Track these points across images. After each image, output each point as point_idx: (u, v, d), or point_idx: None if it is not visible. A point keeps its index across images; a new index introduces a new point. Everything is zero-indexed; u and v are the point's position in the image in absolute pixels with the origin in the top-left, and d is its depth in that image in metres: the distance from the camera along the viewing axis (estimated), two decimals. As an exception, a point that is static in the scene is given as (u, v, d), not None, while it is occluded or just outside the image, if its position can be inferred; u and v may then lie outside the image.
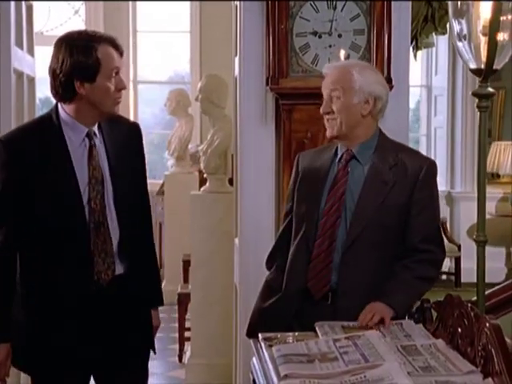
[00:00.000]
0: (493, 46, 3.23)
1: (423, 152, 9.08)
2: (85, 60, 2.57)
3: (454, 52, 3.65)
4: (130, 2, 8.76)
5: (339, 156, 2.82)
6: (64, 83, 2.59)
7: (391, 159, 2.79)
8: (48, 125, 2.64)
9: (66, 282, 2.61)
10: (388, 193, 2.76)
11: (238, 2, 3.71)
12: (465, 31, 3.37)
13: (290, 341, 2.38)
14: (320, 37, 3.44)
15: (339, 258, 2.75)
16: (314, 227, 2.78)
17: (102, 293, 2.64)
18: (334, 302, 2.72)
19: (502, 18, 3.24)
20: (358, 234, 2.74)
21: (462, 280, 7.81)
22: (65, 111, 2.64)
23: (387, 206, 2.76)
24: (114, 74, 2.62)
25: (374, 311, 2.56)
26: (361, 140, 2.79)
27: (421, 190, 2.78)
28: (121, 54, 2.67)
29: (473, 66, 3.40)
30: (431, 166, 2.84)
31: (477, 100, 3.45)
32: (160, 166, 9.42)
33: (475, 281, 3.58)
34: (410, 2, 3.62)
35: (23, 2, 3.69)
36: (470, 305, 2.20)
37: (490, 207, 7.94)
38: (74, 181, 2.61)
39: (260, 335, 2.46)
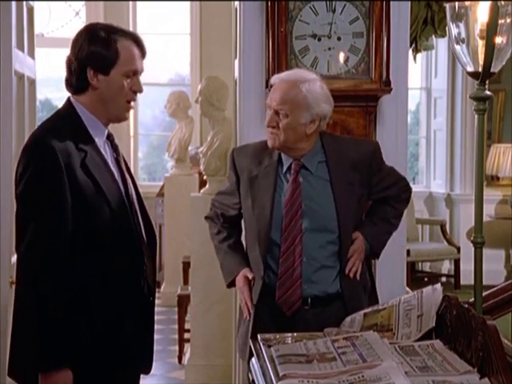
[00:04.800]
0: (490, 49, 3.24)
1: (423, 155, 9.12)
2: (102, 49, 2.46)
3: (453, 54, 3.66)
4: (131, 4, 8.78)
5: (286, 167, 2.84)
6: (77, 71, 2.47)
7: (345, 158, 2.84)
8: (73, 124, 2.49)
9: (125, 285, 2.49)
10: (356, 192, 2.85)
11: (237, 5, 3.73)
12: (462, 34, 3.38)
13: (289, 341, 2.40)
14: (319, 39, 3.45)
15: (337, 270, 2.83)
16: (265, 243, 2.82)
17: (150, 294, 2.62)
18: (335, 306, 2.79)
19: (499, 22, 3.25)
20: (348, 243, 2.84)
21: (462, 282, 7.82)
22: (82, 107, 2.51)
23: (359, 203, 2.88)
24: (131, 74, 2.50)
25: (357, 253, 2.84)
26: (305, 151, 2.83)
27: (378, 173, 2.92)
28: (143, 54, 2.55)
29: (470, 69, 3.41)
30: (377, 148, 2.96)
31: (475, 103, 3.47)
32: (160, 167, 9.43)
33: (474, 283, 3.60)
34: (409, 5, 3.64)
35: (24, 4, 3.70)
36: (467, 306, 2.22)
37: (490, 209, 7.96)
38: (116, 183, 2.52)
39: (259, 336, 2.47)
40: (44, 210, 2.38)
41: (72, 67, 2.50)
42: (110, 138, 2.60)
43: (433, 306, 2.39)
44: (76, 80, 2.51)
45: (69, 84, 2.54)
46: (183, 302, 5.71)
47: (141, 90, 2.56)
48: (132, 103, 2.58)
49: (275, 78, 2.83)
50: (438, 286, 2.48)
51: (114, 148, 2.61)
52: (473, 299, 3.54)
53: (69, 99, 2.55)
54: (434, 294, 2.45)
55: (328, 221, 2.82)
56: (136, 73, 2.53)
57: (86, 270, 2.42)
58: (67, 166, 2.39)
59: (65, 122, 2.50)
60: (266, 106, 2.82)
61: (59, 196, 2.38)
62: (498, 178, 8.35)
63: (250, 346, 2.51)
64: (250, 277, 2.87)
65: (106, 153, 2.56)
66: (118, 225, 2.49)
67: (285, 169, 2.85)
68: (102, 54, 2.47)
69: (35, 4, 4.00)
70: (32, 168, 2.40)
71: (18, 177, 2.45)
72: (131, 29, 8.72)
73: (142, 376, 2.73)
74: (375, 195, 2.95)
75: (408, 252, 6.83)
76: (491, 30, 3.24)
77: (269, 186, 2.83)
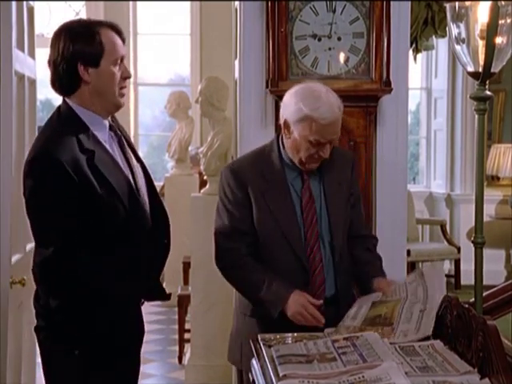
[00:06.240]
0: (490, 49, 3.25)
1: (423, 155, 9.12)
2: (88, 44, 2.49)
3: (453, 55, 3.66)
4: (131, 4, 8.78)
5: (296, 172, 2.81)
6: (67, 70, 2.50)
7: (332, 160, 2.83)
8: (74, 126, 2.51)
9: (133, 278, 2.56)
10: (344, 192, 2.87)
11: (238, 5, 3.73)
12: (463, 35, 3.38)
13: (289, 341, 2.40)
14: (320, 40, 3.45)
15: (333, 270, 2.83)
16: (302, 247, 2.79)
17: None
18: (331, 310, 2.76)
19: (499, 22, 3.26)
20: (341, 242, 2.84)
21: (462, 282, 7.82)
22: (78, 106, 2.53)
23: (347, 204, 2.88)
24: (118, 61, 2.54)
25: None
26: None
27: (355, 182, 2.95)
28: (123, 40, 2.59)
29: (470, 69, 3.41)
30: (355, 159, 3.01)
31: (475, 103, 3.47)
32: (160, 168, 9.44)
33: (474, 283, 3.60)
34: (410, 5, 3.64)
35: (24, 4, 3.70)
36: (467, 306, 2.22)
37: (490, 209, 7.96)
38: (126, 178, 2.55)
39: (259, 336, 2.47)
40: (51, 217, 2.43)
41: (59, 68, 2.51)
42: (112, 128, 2.62)
43: (435, 301, 2.42)
44: (67, 79, 2.52)
45: (58, 85, 2.56)
46: (183, 302, 5.71)
47: (129, 75, 2.61)
48: (125, 90, 2.60)
49: (328, 118, 2.68)
50: (438, 264, 2.56)
51: (119, 138, 2.64)
52: (473, 299, 3.55)
53: (65, 100, 2.57)
54: (436, 277, 2.56)
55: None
56: (122, 59, 2.57)
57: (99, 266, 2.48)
58: (76, 173, 2.41)
59: (66, 125, 2.52)
60: (312, 142, 2.69)
61: (66, 203, 2.42)
62: (498, 178, 8.34)
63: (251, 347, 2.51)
64: (318, 302, 2.72)
65: (111, 147, 2.58)
66: (132, 222, 2.53)
67: (295, 174, 2.82)
68: (89, 48, 2.50)
69: (35, 4, 3.99)
70: (39, 182, 2.42)
71: (27, 190, 2.47)
72: (131, 29, 8.74)
73: (142, 376, 2.78)
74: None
75: (408, 252, 6.83)
76: (491, 30, 3.25)
77: (285, 195, 2.80)
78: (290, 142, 2.77)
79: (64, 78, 2.53)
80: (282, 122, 2.79)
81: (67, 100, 2.56)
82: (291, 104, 2.74)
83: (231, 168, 2.88)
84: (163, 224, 2.70)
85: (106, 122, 2.60)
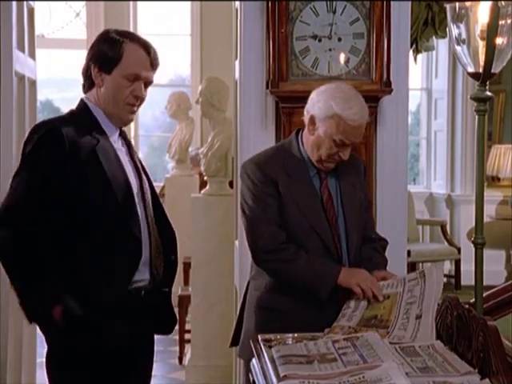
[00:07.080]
0: (491, 50, 3.25)
1: (423, 156, 9.12)
2: (108, 48, 2.52)
3: (454, 55, 3.66)
4: (131, 4, 8.78)
5: (315, 170, 2.84)
6: (85, 68, 2.57)
7: (347, 163, 2.84)
8: (86, 118, 2.56)
9: (128, 273, 2.52)
10: (359, 195, 2.89)
11: (238, 5, 3.73)
12: (463, 35, 3.39)
13: (290, 342, 2.40)
14: (320, 40, 3.45)
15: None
16: (332, 240, 2.81)
17: (158, 288, 2.65)
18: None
19: (500, 22, 3.26)
20: (355, 244, 2.86)
21: (462, 283, 7.81)
22: (93, 104, 2.57)
23: (361, 207, 2.90)
24: (132, 78, 2.52)
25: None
26: None
27: (365, 186, 2.99)
28: (152, 64, 2.56)
29: (471, 69, 3.42)
30: (364, 165, 3.04)
31: (475, 103, 3.47)
32: (160, 168, 9.44)
33: (474, 283, 3.60)
34: (410, 6, 3.64)
35: (24, 5, 3.71)
36: (467, 306, 2.22)
37: (490, 210, 7.95)
38: (125, 174, 2.55)
39: (259, 336, 2.47)
40: (30, 179, 2.43)
41: (83, 66, 2.59)
42: (122, 134, 2.65)
43: (432, 299, 2.43)
44: (83, 78, 2.59)
45: (83, 85, 2.63)
46: (184, 302, 5.71)
47: (140, 96, 2.57)
48: (135, 108, 2.59)
49: (358, 118, 2.71)
50: (439, 263, 2.58)
51: (128, 144, 2.66)
52: (473, 300, 3.55)
53: (81, 98, 2.62)
54: (436, 272, 2.57)
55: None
56: (137, 78, 2.53)
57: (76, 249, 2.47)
58: (73, 151, 2.43)
59: (78, 115, 2.57)
60: (336, 141, 2.72)
61: (49, 174, 2.43)
62: (498, 179, 8.34)
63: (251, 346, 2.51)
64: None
65: (118, 147, 2.60)
66: (121, 215, 2.51)
67: (313, 172, 2.84)
68: (107, 53, 2.52)
69: (36, 5, 4.00)
70: (36, 147, 2.45)
71: (22, 154, 2.52)
72: (131, 29, 8.72)
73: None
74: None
75: (408, 252, 6.82)
76: (492, 30, 3.25)
77: (309, 189, 2.82)
78: (313, 138, 2.79)
79: (83, 76, 2.60)
80: (307, 118, 2.80)
81: (84, 98, 2.61)
82: (320, 100, 2.76)
83: (255, 161, 2.87)
84: (170, 240, 2.70)
85: (117, 128, 2.63)
